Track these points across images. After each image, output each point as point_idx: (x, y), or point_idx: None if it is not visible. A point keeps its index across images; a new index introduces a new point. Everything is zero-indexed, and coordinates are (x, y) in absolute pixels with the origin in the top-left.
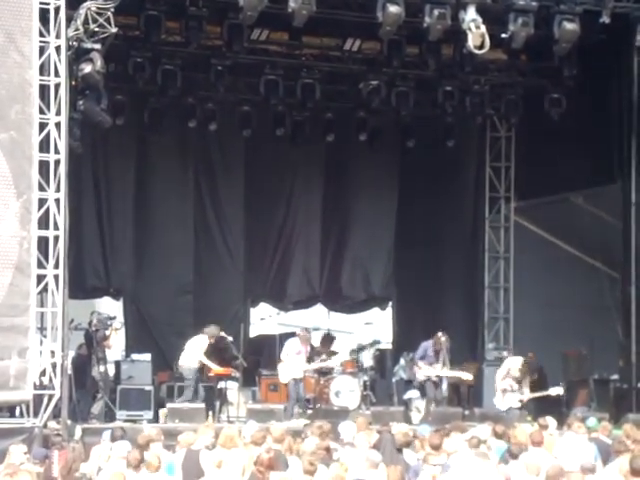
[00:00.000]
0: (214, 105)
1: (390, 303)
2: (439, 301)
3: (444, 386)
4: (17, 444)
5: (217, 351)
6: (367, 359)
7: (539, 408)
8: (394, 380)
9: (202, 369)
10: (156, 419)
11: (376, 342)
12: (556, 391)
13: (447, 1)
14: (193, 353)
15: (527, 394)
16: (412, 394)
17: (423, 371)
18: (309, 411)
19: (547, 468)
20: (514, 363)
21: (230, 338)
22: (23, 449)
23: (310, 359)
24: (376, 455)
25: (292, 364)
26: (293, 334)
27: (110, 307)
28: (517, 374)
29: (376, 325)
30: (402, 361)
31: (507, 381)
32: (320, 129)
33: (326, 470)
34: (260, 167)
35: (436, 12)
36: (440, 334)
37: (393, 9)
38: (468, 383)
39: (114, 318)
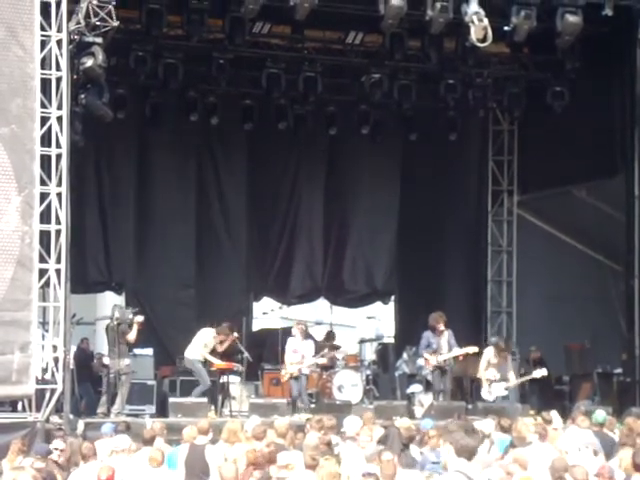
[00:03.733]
0: (216, 99)
1: (392, 297)
2: (442, 295)
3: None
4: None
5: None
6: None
7: (542, 402)
8: (397, 374)
9: (205, 362)
10: (158, 413)
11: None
12: (540, 373)
13: None
14: (197, 347)
15: (512, 380)
16: (415, 388)
17: (432, 361)
18: (312, 405)
19: (552, 461)
20: (489, 352)
21: (236, 334)
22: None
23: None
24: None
25: (290, 362)
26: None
27: (112, 302)
28: (496, 360)
29: (379, 319)
30: (405, 355)
31: (490, 371)
32: (322, 122)
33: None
34: (262, 161)
35: (438, 5)
36: (434, 314)
37: (395, 2)
38: (467, 376)
39: (137, 311)
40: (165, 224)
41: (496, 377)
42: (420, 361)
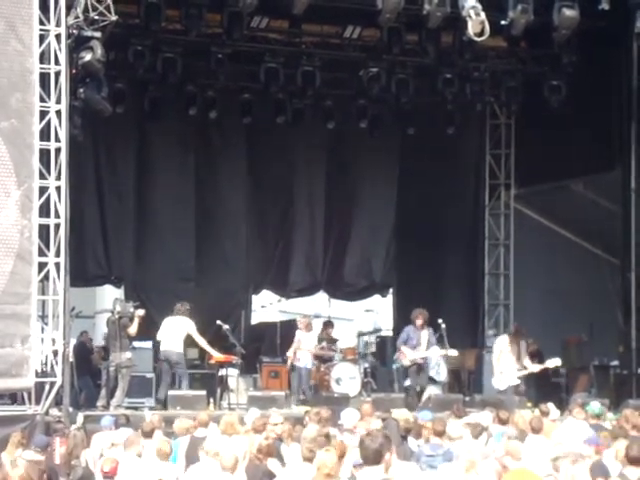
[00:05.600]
0: (214, 93)
1: (391, 290)
2: (439, 288)
3: (443, 371)
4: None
5: (217, 339)
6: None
7: (539, 394)
8: (395, 367)
9: (203, 355)
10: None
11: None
12: (553, 363)
13: None
14: (180, 338)
15: (530, 367)
16: None
17: (408, 356)
18: (302, 397)
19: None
20: (502, 340)
21: (227, 326)
22: None
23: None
24: None
25: (293, 351)
26: (294, 321)
27: (112, 295)
28: (509, 348)
29: (377, 312)
30: None
31: (503, 360)
32: (320, 116)
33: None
34: (261, 155)
35: None
36: (416, 309)
37: None
38: (464, 368)
39: (138, 305)
40: (164, 218)
41: (510, 367)
42: (400, 354)
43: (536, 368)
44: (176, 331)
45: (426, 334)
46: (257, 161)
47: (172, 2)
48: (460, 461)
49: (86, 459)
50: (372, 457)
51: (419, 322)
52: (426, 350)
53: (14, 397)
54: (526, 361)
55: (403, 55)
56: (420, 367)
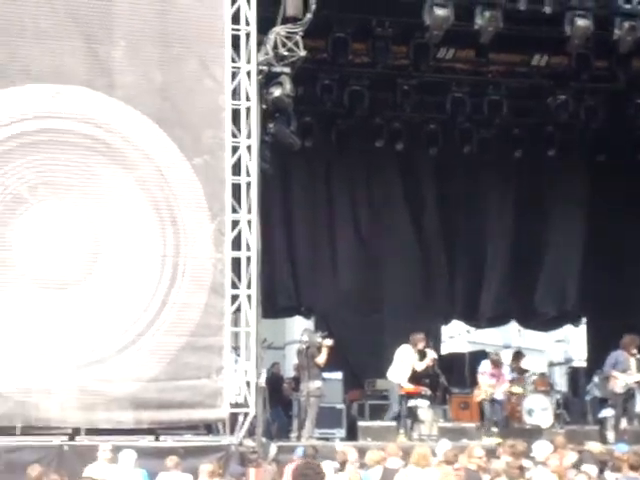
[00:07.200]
0: (400, 124)
1: (584, 320)
2: (635, 318)
3: (638, 402)
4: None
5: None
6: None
7: None
8: (588, 398)
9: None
10: (348, 437)
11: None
12: None
13: (638, 13)
14: (394, 367)
15: None
16: (607, 412)
17: (620, 381)
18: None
19: None
20: None
21: (436, 356)
22: None
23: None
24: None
25: (487, 384)
26: (483, 352)
27: (302, 326)
28: None
29: (568, 342)
30: (596, 379)
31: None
32: (507, 145)
33: None
34: (449, 186)
35: (626, 24)
36: (629, 335)
37: (582, 23)
38: None
39: (325, 335)
40: (356, 249)
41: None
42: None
43: None
44: (394, 361)
45: (634, 361)
46: (443, 192)
47: (359, 36)
48: None
49: None
50: None
51: (634, 349)
52: (637, 372)
53: (209, 428)
54: None
55: (592, 81)
56: (632, 394)
